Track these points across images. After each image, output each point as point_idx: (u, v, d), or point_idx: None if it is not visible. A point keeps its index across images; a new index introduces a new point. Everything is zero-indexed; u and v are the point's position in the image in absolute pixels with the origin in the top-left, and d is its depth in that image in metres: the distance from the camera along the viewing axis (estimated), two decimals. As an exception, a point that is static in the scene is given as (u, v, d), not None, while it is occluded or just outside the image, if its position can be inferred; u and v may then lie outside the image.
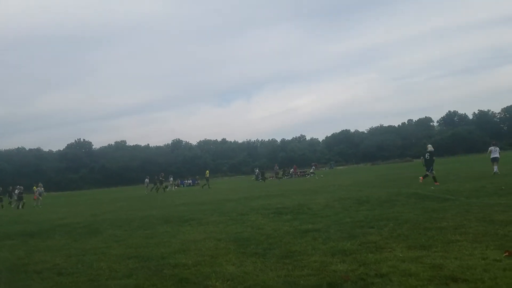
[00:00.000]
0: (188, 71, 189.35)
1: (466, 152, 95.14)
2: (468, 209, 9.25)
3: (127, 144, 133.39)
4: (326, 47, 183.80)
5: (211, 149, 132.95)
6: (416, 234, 6.91)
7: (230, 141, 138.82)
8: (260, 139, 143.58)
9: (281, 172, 48.67)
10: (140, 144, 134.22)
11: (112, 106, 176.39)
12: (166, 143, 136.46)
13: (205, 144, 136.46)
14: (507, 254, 5.11)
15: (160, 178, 38.00)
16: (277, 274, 5.23)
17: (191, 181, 60.68)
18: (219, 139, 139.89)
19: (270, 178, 52.84)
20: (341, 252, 6.06)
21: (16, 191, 28.78)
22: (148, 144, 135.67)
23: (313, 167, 53.53)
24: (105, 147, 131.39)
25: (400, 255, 5.62)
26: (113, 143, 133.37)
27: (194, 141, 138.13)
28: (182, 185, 56.92)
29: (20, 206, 27.37)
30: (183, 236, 8.95)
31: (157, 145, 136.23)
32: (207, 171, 43.25)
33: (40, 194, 28.95)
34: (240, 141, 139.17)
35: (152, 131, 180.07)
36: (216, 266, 5.86)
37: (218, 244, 7.56)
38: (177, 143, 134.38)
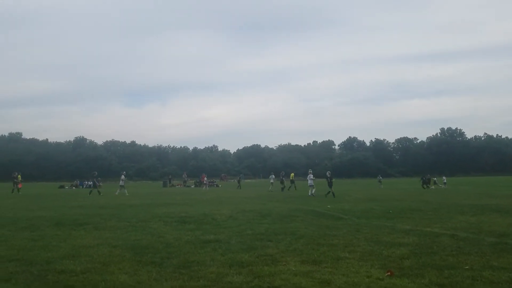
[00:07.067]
0: (97, 65, 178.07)
1: (362, 176, 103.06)
2: (358, 228, 9.97)
3: (22, 136, 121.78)
4: (245, 61, 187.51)
5: (118, 151, 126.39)
6: (309, 249, 7.26)
7: (140, 144, 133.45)
8: (172, 145, 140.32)
9: (192, 181, 47.90)
10: (37, 138, 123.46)
11: (7, 94, 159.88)
12: (68, 140, 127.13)
13: (112, 145, 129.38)
14: (389, 273, 5.54)
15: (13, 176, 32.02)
16: (171, 284, 5.12)
17: (91, 182, 56.97)
18: (128, 141, 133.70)
19: (177, 186, 51.96)
20: (239, 264, 6.14)
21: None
22: (47, 139, 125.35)
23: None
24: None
25: (293, 268, 5.86)
26: (6, 134, 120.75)
27: (100, 141, 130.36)
28: (81, 186, 53.24)
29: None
30: (74, 240, 8.37)
31: (57, 141, 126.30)
32: (292, 173, 39.09)
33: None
34: (150, 145, 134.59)
35: (52, 125, 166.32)
36: (107, 274, 5.56)
37: (112, 251, 7.19)
38: (80, 141, 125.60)
